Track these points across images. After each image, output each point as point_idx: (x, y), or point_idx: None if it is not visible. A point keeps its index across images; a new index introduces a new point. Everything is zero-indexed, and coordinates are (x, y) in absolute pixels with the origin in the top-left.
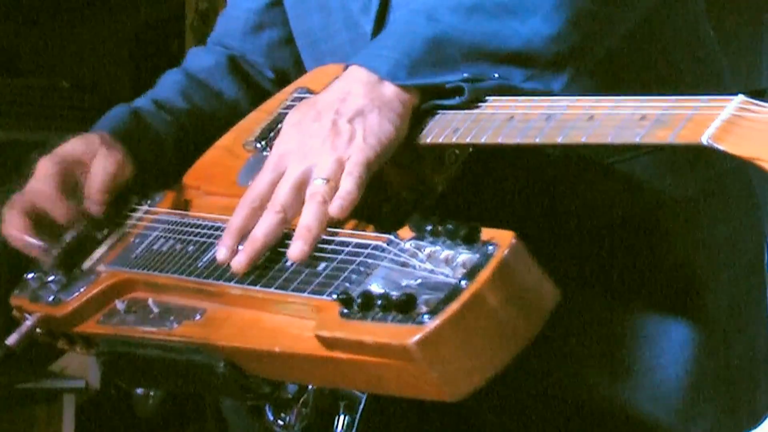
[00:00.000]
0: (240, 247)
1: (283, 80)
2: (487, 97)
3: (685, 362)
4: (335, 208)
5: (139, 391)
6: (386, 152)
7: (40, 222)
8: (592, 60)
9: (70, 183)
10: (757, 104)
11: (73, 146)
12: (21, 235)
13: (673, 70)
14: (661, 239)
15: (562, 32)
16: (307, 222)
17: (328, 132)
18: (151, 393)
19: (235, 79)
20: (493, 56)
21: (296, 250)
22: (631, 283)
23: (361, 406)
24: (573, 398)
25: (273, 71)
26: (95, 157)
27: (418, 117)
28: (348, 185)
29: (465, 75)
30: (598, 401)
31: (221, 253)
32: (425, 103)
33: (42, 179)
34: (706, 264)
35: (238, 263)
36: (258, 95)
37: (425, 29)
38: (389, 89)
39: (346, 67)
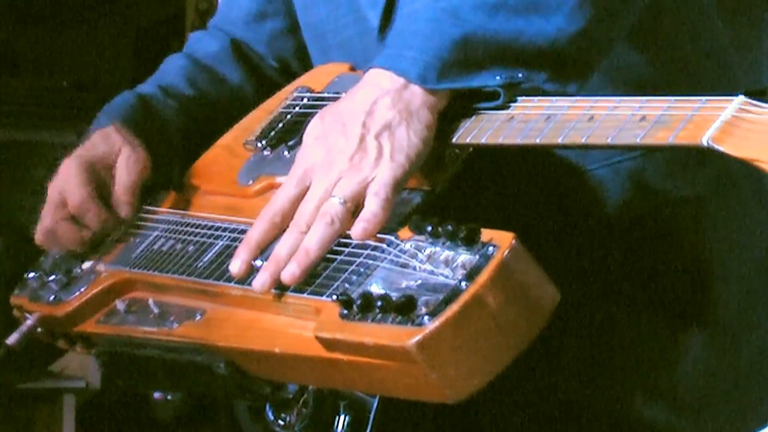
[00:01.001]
0: (258, 263)
1: (285, 70)
2: None
3: (694, 362)
4: (359, 231)
5: (157, 395)
6: (414, 168)
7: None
8: (606, 57)
9: (98, 186)
10: (757, 105)
11: (96, 147)
12: (70, 234)
13: (681, 64)
14: (670, 238)
15: (587, 29)
16: (308, 244)
17: (355, 149)
18: (168, 396)
19: (240, 65)
20: (520, 56)
21: (288, 272)
22: (639, 283)
23: (374, 409)
24: (579, 399)
25: (276, 61)
26: (119, 157)
27: None
28: (374, 206)
29: (498, 79)
30: (605, 402)
31: (236, 266)
32: (452, 105)
33: (74, 186)
34: (716, 263)
35: (262, 284)
36: (262, 82)
37: (452, 29)
38: (417, 96)
39: (366, 70)
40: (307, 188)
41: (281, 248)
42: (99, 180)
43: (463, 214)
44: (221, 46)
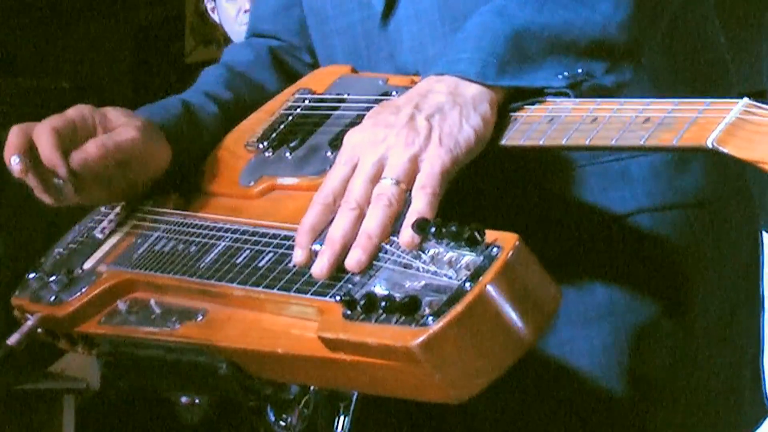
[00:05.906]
0: (315, 247)
1: (318, 65)
2: None
3: (668, 370)
4: (407, 239)
5: (184, 400)
6: (465, 156)
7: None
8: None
9: (77, 135)
10: (761, 107)
11: (108, 111)
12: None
13: (680, 68)
14: (651, 239)
15: (632, 17)
16: (369, 228)
17: (403, 124)
18: (196, 401)
19: (276, 71)
20: (573, 48)
21: (353, 259)
22: (619, 281)
23: (353, 406)
24: (555, 403)
25: (309, 53)
26: (122, 126)
27: None
28: (420, 205)
29: (561, 78)
30: (583, 405)
31: (298, 255)
32: (510, 103)
33: (55, 117)
34: (696, 269)
35: (320, 270)
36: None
37: (502, 26)
38: (474, 88)
39: (413, 82)
40: (356, 166)
41: (334, 230)
42: (82, 131)
43: (464, 214)
44: (256, 54)
